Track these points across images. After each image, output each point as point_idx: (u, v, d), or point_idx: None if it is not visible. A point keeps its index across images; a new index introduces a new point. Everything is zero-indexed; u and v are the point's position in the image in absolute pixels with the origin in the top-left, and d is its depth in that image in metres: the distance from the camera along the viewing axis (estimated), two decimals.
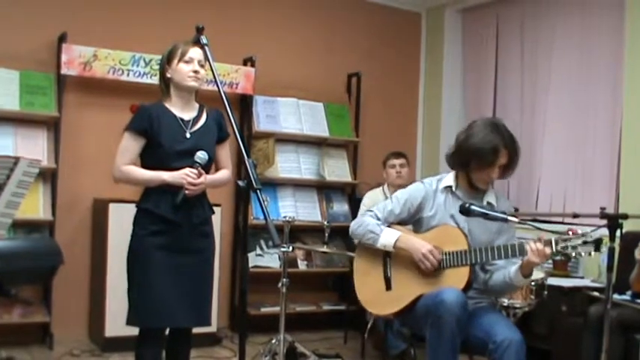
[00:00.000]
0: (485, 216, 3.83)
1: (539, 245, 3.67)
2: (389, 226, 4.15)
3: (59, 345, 5.99)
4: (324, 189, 7.49)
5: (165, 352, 4.09)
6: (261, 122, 7.04)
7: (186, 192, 3.85)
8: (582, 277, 5.96)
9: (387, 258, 4.16)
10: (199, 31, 3.77)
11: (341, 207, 7.38)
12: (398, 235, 4.07)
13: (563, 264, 5.93)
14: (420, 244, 3.97)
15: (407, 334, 4.34)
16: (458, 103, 8.04)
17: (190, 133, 3.97)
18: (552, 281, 5.40)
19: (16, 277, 3.91)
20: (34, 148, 6.02)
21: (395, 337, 5.62)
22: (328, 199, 7.44)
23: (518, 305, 5.08)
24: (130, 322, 3.90)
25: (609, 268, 3.48)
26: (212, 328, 5.80)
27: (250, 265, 6.79)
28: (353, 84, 7.66)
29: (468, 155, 3.98)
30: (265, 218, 3.29)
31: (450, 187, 4.14)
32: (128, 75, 6.30)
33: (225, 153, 4.19)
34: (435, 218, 4.11)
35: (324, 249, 5.86)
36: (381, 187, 6.48)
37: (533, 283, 5.06)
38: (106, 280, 5.85)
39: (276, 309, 5.64)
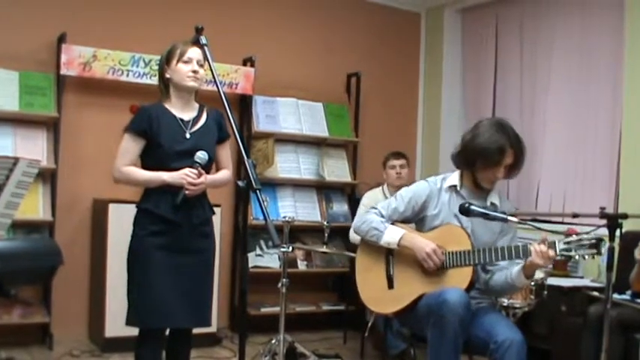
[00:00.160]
0: (484, 216, 3.83)
1: (543, 247, 3.68)
2: (393, 224, 4.14)
3: (59, 345, 5.99)
4: (324, 189, 7.49)
5: (165, 353, 4.09)
6: (261, 122, 7.04)
7: (186, 192, 3.85)
8: (582, 277, 5.95)
9: (389, 256, 4.15)
10: (199, 31, 3.77)
11: (340, 207, 7.38)
12: (402, 233, 4.06)
13: (562, 264, 5.92)
14: (424, 243, 3.96)
15: (407, 334, 4.33)
16: (457, 103, 8.04)
17: (190, 134, 3.97)
18: (552, 281, 5.40)
19: (15, 277, 3.91)
20: (33, 148, 6.02)
21: (394, 337, 5.62)
22: (328, 200, 7.44)
23: (518, 305, 5.08)
24: (129, 322, 3.90)
25: (609, 267, 3.48)
26: (212, 329, 5.79)
27: (250, 265, 6.79)
28: (352, 84, 7.66)
29: (474, 155, 3.97)
30: (265, 218, 3.29)
31: (455, 186, 4.14)
32: (128, 75, 6.30)
33: (225, 153, 4.18)
34: (439, 217, 4.11)
35: (324, 249, 5.85)
36: (380, 187, 6.48)
37: (532, 283, 5.06)
38: (106, 280, 5.85)
39: (276, 309, 5.63)
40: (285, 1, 7.41)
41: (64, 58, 6.06)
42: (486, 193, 4.13)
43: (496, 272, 4.04)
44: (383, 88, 7.89)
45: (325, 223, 5.98)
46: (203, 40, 3.76)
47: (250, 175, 3.35)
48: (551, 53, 6.95)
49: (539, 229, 4.03)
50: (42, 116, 6.11)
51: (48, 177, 6.13)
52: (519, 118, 7.13)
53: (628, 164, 6.03)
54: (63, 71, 6.08)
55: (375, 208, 4.23)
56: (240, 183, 3.39)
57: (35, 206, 6.01)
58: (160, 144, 3.90)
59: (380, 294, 4.15)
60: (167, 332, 4.06)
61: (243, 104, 7.00)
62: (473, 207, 3.84)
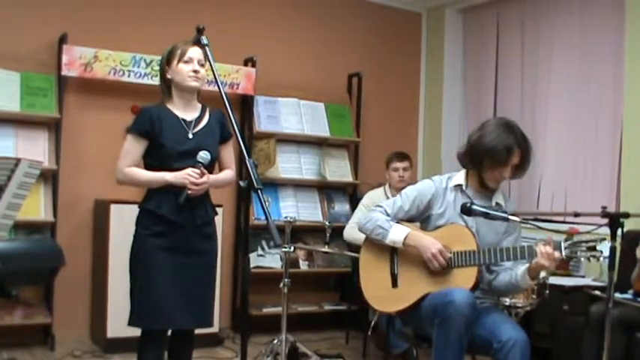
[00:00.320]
0: (485, 215, 3.83)
1: (549, 249, 3.68)
2: (398, 223, 4.14)
3: (61, 346, 5.99)
4: (325, 189, 7.49)
5: (167, 353, 4.09)
6: (262, 122, 7.04)
7: (189, 192, 3.84)
8: (583, 276, 5.95)
9: (394, 254, 4.15)
10: (200, 31, 3.77)
11: (342, 207, 7.37)
12: (407, 232, 4.05)
13: (564, 263, 5.92)
14: (430, 243, 3.95)
15: (409, 334, 4.32)
16: (459, 103, 8.04)
17: (193, 134, 3.97)
18: (554, 280, 5.40)
19: (17, 278, 3.91)
20: (35, 149, 6.02)
21: (397, 337, 5.62)
22: (329, 200, 7.44)
23: (520, 305, 5.08)
24: (132, 323, 3.90)
25: (610, 266, 3.47)
26: (214, 329, 5.75)
27: (252, 265, 6.79)
28: (354, 84, 7.66)
29: (482, 154, 3.96)
30: (266, 218, 3.28)
31: (460, 185, 4.13)
32: (129, 76, 6.30)
33: (228, 153, 4.17)
34: (444, 216, 4.10)
35: (326, 249, 5.85)
36: (382, 188, 6.46)
37: (534, 282, 5.06)
38: (108, 280, 5.86)
39: (278, 309, 5.64)
40: (287, 2, 7.41)
41: (65, 58, 6.06)
42: (491, 193, 4.12)
43: (500, 273, 4.04)
44: (384, 88, 7.89)
45: (327, 223, 5.98)
46: (204, 40, 3.75)
47: (252, 175, 3.34)
48: (552, 53, 6.96)
49: (540, 228, 4.03)
50: (43, 117, 6.12)
51: (49, 178, 6.13)
52: (520, 117, 7.12)
53: (629, 163, 6.03)
54: (64, 72, 6.08)
55: (380, 207, 4.22)
56: (241, 183, 3.38)
57: (37, 207, 6.01)
58: (162, 144, 3.90)
59: (384, 292, 4.14)
60: (169, 333, 4.05)
61: (245, 104, 7.00)
62: (474, 206, 3.84)
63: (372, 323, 5.91)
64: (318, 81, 7.48)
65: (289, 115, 7.23)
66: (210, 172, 4.00)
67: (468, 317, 3.68)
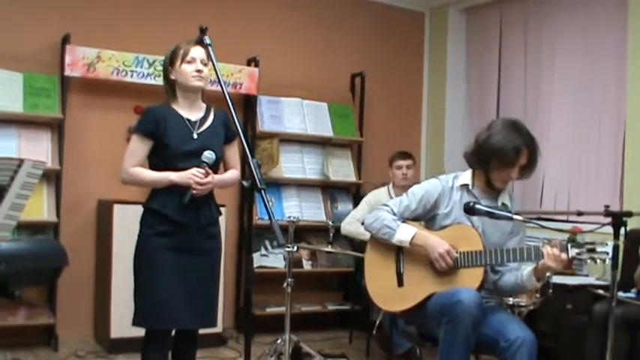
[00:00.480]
0: (489, 215, 3.83)
1: (556, 250, 3.67)
2: (404, 222, 4.13)
3: (64, 346, 6.00)
4: (329, 189, 7.49)
5: (171, 353, 4.09)
6: (265, 122, 7.04)
7: (194, 192, 3.84)
8: (587, 275, 5.95)
9: (399, 253, 4.14)
10: (203, 31, 3.76)
11: (345, 207, 7.36)
12: (414, 231, 4.04)
13: (568, 262, 5.91)
14: (437, 243, 3.94)
15: (414, 333, 4.32)
16: (462, 102, 8.04)
17: (198, 134, 3.96)
18: (557, 279, 5.39)
19: (20, 278, 3.91)
20: (38, 149, 6.02)
21: (400, 336, 5.61)
22: (333, 199, 7.44)
23: (523, 304, 5.07)
24: (136, 323, 3.89)
25: (614, 265, 3.47)
26: (217, 329, 5.81)
27: (255, 265, 6.75)
28: (357, 84, 7.66)
29: (489, 154, 3.94)
30: (270, 218, 3.27)
31: (467, 185, 4.11)
32: (132, 76, 6.30)
33: (233, 153, 4.17)
34: (450, 216, 4.09)
35: (329, 249, 5.85)
36: (386, 187, 6.44)
37: None
38: (111, 281, 5.86)
39: (282, 309, 5.63)
40: (289, 1, 7.42)
41: (68, 59, 6.06)
42: (497, 193, 4.11)
43: (505, 273, 4.03)
44: (387, 88, 7.89)
45: (330, 222, 5.99)
46: (207, 39, 3.75)
47: (255, 174, 3.33)
48: (555, 52, 6.95)
49: (544, 227, 4.03)
50: (46, 117, 6.12)
51: (52, 178, 6.13)
52: (523, 116, 7.10)
53: (632, 162, 6.03)
54: (67, 72, 6.09)
55: (387, 206, 4.20)
56: (244, 183, 3.38)
57: (40, 207, 6.01)
58: (167, 144, 3.89)
59: (389, 292, 4.12)
60: (173, 333, 4.05)
61: (248, 104, 7.01)
62: (477, 206, 3.84)
63: (377, 322, 5.90)
64: (321, 81, 7.48)
65: (292, 114, 7.23)
66: (215, 172, 4.00)
67: (476, 317, 3.68)
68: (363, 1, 7.82)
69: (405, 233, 4.05)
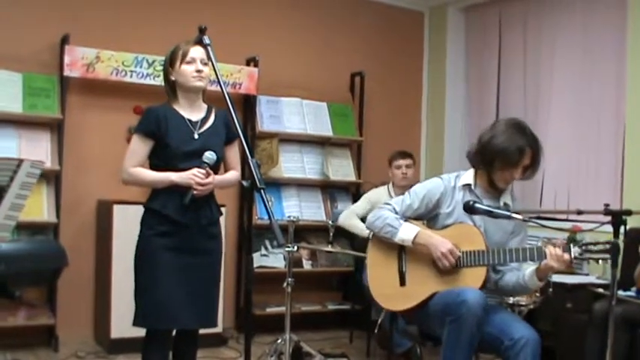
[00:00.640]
0: (489, 214, 3.83)
1: (559, 251, 3.67)
2: (406, 221, 4.13)
3: (64, 347, 6.00)
4: (329, 188, 7.49)
5: (171, 353, 4.09)
6: (265, 122, 7.04)
7: (195, 192, 3.84)
8: (587, 274, 5.96)
9: (402, 252, 4.13)
10: (202, 31, 3.76)
11: (345, 206, 7.33)
12: (417, 230, 4.03)
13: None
14: (440, 242, 3.94)
15: (414, 333, 4.31)
16: (461, 102, 8.04)
17: (199, 134, 3.96)
18: (557, 278, 5.39)
19: (20, 279, 3.91)
20: (37, 150, 6.02)
21: (400, 335, 5.61)
22: (332, 199, 7.44)
23: (523, 303, 5.07)
24: (136, 323, 3.89)
25: (613, 264, 3.46)
26: (218, 329, 5.80)
27: (255, 265, 6.76)
28: (356, 83, 7.66)
29: (493, 154, 3.93)
30: (270, 218, 3.27)
31: (469, 185, 4.11)
32: (131, 76, 6.30)
33: (234, 154, 4.16)
34: (452, 215, 4.08)
35: (329, 248, 5.86)
36: (385, 187, 6.45)
37: None
38: (111, 281, 5.86)
39: (282, 309, 5.62)
40: (289, 1, 7.42)
41: (67, 59, 6.06)
42: (499, 193, 4.10)
43: (507, 273, 4.03)
44: (387, 87, 7.89)
45: (330, 222, 5.99)
46: (206, 39, 3.75)
47: (255, 174, 3.33)
48: (555, 51, 6.95)
49: (544, 226, 4.03)
50: (46, 118, 6.12)
51: (52, 178, 6.13)
52: (523, 115, 7.10)
53: (632, 161, 6.04)
54: (66, 72, 6.08)
55: (389, 204, 4.20)
56: (244, 183, 3.38)
57: (39, 208, 6.01)
58: (168, 144, 3.89)
59: (391, 291, 4.11)
60: (174, 333, 4.05)
61: (247, 104, 7.01)
62: (477, 205, 3.84)
63: (379, 321, 5.90)
64: (320, 80, 7.48)
65: (292, 114, 7.24)
66: (216, 173, 4.00)
67: (480, 317, 3.68)
68: (362, 0, 7.82)
69: (407, 232, 4.04)
